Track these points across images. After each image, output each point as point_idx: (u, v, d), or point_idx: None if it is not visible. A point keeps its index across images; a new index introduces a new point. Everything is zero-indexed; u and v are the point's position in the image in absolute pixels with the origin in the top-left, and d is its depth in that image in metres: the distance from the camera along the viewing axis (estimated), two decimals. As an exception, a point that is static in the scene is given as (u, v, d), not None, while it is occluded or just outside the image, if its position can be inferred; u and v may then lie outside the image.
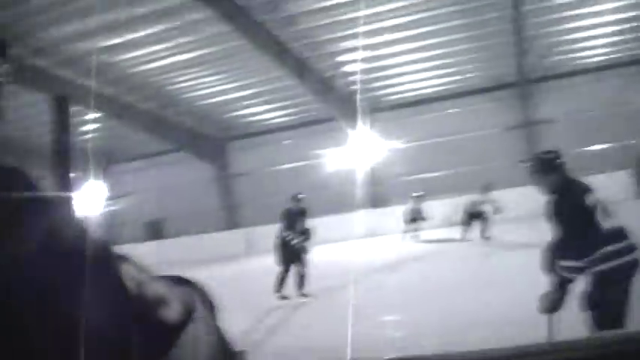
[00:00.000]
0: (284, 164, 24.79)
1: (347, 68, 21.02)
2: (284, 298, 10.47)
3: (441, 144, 23.44)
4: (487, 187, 16.50)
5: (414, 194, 19.38)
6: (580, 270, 4.38)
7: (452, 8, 18.26)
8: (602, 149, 22.92)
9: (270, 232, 22.13)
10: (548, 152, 4.98)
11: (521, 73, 22.36)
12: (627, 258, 4.33)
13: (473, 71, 22.87)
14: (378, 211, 22.88)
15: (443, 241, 17.13)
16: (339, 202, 21.51)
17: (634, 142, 21.88)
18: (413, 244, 18.05)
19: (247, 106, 23.89)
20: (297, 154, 23.80)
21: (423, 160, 23.14)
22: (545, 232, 4.72)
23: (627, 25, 20.29)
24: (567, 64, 22.74)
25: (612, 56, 22.55)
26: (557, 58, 22.02)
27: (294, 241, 10.68)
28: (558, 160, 4.80)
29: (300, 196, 11.32)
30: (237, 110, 24.13)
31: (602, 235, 4.35)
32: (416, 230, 18.78)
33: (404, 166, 22.85)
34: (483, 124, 23.59)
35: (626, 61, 22.54)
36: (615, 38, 21.31)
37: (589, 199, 4.51)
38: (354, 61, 20.47)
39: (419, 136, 23.13)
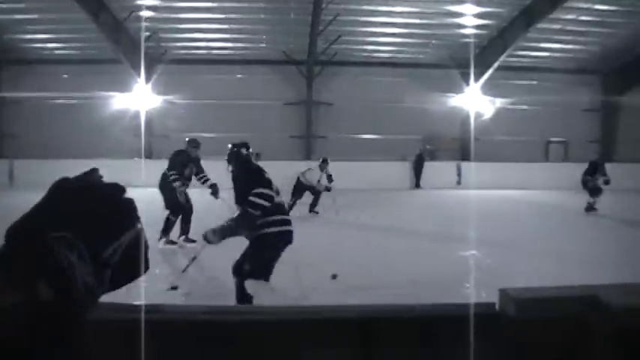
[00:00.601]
0: (59, 98, 23.45)
1: (141, 13, 20.41)
2: (172, 243, 9.82)
3: (222, 106, 23.67)
4: (325, 161, 15.27)
5: (257, 154, 18.93)
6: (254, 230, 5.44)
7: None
8: (375, 139, 24.70)
9: (35, 167, 21.31)
10: (233, 145, 6.10)
11: (310, 54, 23.30)
12: (283, 228, 5.52)
13: (265, 42, 23.42)
14: (151, 162, 22.59)
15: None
16: (114, 146, 21.08)
17: (406, 137, 24.05)
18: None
19: (29, 32, 22.19)
20: (75, 90, 22.66)
21: (202, 119, 23.28)
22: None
23: (413, 30, 22.10)
24: (354, 54, 24.20)
25: (396, 56, 24.36)
26: (345, 46, 23.29)
27: (180, 187, 10.06)
28: (241, 151, 5.97)
29: (197, 142, 10.85)
30: (17, 33, 22.28)
31: (277, 207, 5.53)
32: None
33: (182, 121, 22.85)
34: (266, 94, 24.25)
35: (407, 62, 24.49)
36: (401, 40, 23.07)
37: (261, 181, 5.54)
38: (148, 7, 20.03)
39: (202, 94, 23.09)
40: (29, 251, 0.75)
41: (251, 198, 5.36)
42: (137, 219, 0.87)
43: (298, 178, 14.96)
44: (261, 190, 5.38)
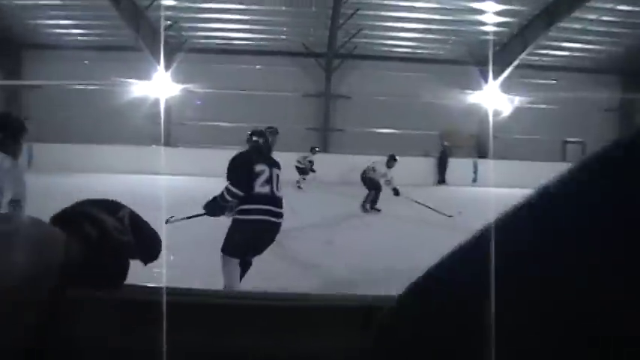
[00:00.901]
0: (80, 84, 23.59)
1: (162, 2, 20.57)
2: None
3: (241, 96, 23.79)
4: (393, 158, 14.52)
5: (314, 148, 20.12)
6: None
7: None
8: (392, 134, 24.69)
9: (54, 151, 21.57)
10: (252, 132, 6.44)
11: (330, 47, 23.32)
12: (257, 217, 5.79)
13: (285, 34, 23.46)
14: (169, 150, 22.80)
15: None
16: (133, 133, 21.30)
17: (424, 132, 24.06)
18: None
19: (52, 17, 22.37)
20: (95, 76, 22.82)
21: (220, 108, 23.44)
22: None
23: (434, 27, 22.06)
24: (373, 48, 24.18)
25: (416, 51, 24.33)
26: (365, 40, 23.31)
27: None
28: (252, 137, 6.32)
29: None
30: (39, 19, 22.47)
31: (255, 196, 5.78)
32: (302, 180, 18.71)
33: (200, 110, 23.03)
34: (285, 86, 24.33)
35: (426, 58, 24.46)
36: (421, 35, 23.03)
37: (238, 176, 5.88)
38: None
39: (221, 84, 23.14)
40: (74, 213, 1.10)
41: (223, 190, 5.87)
42: (124, 206, 1.19)
43: (365, 171, 14.67)
44: (231, 187, 5.78)
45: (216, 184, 10.54)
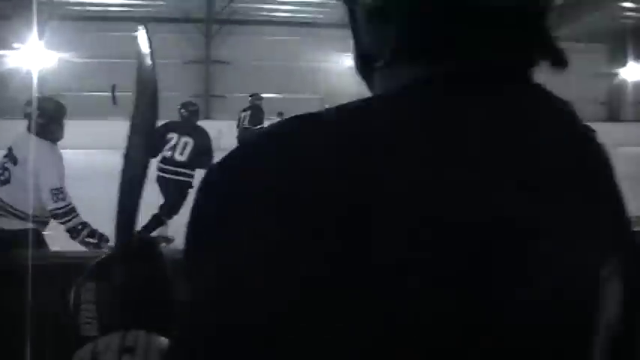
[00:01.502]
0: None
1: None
2: None
3: (120, 64, 23.11)
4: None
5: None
6: None
7: None
8: (276, 98, 24.88)
9: None
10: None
11: (209, 12, 23.10)
12: (158, 173, 7.09)
13: (164, 0, 23.06)
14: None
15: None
16: (4, 105, 20.45)
17: (306, 96, 24.39)
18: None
19: None
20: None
21: (99, 78, 22.75)
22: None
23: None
24: (252, 13, 24.17)
25: (295, 15, 24.53)
26: (244, 5, 23.26)
27: None
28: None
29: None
30: None
31: (161, 158, 7.20)
32: None
33: (77, 80, 22.36)
34: (165, 53, 23.80)
35: (304, 21, 24.76)
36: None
37: (167, 136, 7.30)
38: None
39: (98, 52, 22.50)
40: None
41: None
42: None
43: None
44: None
45: (96, 156, 10.45)
